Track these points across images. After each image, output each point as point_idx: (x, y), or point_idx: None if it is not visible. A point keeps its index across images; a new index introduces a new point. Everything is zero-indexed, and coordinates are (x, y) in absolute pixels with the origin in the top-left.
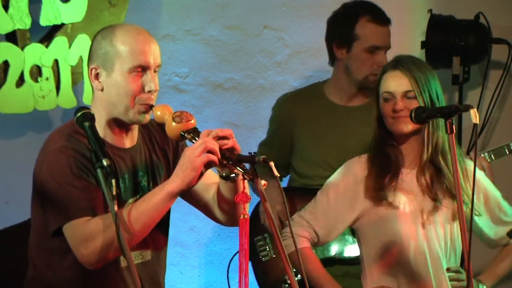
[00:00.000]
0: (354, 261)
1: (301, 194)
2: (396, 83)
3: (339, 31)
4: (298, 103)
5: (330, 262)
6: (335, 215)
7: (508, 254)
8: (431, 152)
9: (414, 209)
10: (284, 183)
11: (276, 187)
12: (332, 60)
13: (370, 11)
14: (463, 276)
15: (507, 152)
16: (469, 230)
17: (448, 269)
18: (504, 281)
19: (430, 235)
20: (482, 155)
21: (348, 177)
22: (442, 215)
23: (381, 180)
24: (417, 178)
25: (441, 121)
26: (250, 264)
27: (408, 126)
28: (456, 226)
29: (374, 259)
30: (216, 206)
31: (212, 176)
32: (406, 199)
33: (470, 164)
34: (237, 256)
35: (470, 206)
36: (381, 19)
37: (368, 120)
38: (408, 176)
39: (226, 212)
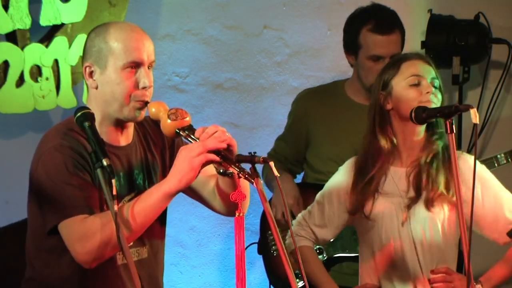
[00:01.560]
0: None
1: (315, 190)
2: (424, 69)
3: (346, 39)
4: (316, 99)
5: (340, 260)
6: (329, 214)
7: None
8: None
9: (392, 210)
10: (298, 179)
11: (290, 181)
12: (350, 63)
13: (374, 19)
14: (452, 277)
15: (496, 165)
16: (469, 230)
17: (432, 271)
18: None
19: (407, 233)
20: (499, 156)
21: (342, 178)
22: (420, 210)
23: (362, 189)
24: (406, 176)
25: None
26: (262, 258)
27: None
28: (438, 214)
29: (367, 259)
30: (216, 199)
31: (210, 169)
32: (386, 202)
33: (466, 159)
34: (250, 248)
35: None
36: (383, 28)
37: None
38: (397, 174)
39: (227, 204)
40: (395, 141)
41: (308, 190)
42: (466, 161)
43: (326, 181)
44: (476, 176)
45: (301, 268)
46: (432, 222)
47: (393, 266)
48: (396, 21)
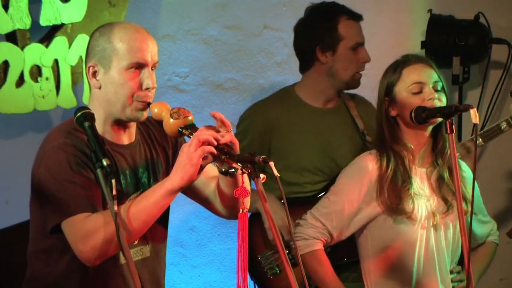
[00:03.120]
0: (352, 266)
1: (293, 204)
2: (426, 74)
3: (322, 35)
4: (275, 109)
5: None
6: (349, 216)
7: (487, 253)
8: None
9: (427, 212)
10: None
11: (275, 200)
12: (308, 65)
13: (345, 10)
14: (464, 276)
15: (499, 133)
16: (469, 230)
17: (451, 271)
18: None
19: (440, 238)
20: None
21: (361, 177)
22: (453, 217)
23: (397, 190)
24: (427, 178)
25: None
26: (254, 283)
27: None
28: (456, 223)
29: (378, 259)
30: (217, 200)
31: (212, 171)
32: (421, 203)
33: (462, 163)
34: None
35: (469, 206)
36: (357, 16)
37: (343, 119)
38: (419, 174)
39: (227, 206)
40: (410, 145)
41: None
42: (464, 167)
43: (302, 192)
44: (469, 184)
45: (303, 274)
46: (454, 228)
47: (407, 268)
48: None
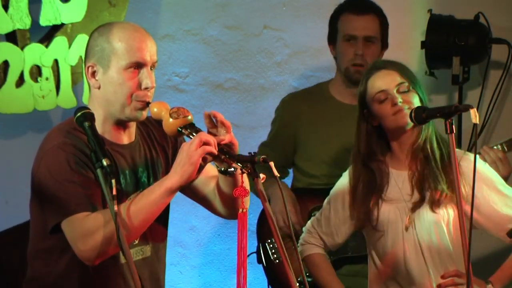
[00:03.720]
0: (363, 260)
1: (308, 195)
2: (387, 81)
3: (329, 31)
4: (303, 103)
5: (342, 262)
6: (335, 221)
7: None
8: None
9: (397, 216)
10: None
11: (286, 188)
12: (335, 60)
13: (349, 5)
14: (459, 280)
15: None
16: (469, 230)
17: (442, 276)
18: None
19: (413, 238)
20: (495, 147)
21: (346, 184)
22: (425, 214)
23: (365, 206)
24: (409, 179)
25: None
26: (262, 267)
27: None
28: (443, 216)
29: (375, 266)
30: (216, 200)
31: (211, 170)
32: (390, 209)
33: (471, 160)
34: (250, 248)
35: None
36: (358, 8)
37: None
38: (401, 177)
39: (226, 205)
40: (386, 160)
41: (303, 196)
42: (470, 162)
43: (320, 185)
44: (479, 176)
45: (303, 275)
46: (438, 225)
47: (399, 273)
48: (372, 5)
